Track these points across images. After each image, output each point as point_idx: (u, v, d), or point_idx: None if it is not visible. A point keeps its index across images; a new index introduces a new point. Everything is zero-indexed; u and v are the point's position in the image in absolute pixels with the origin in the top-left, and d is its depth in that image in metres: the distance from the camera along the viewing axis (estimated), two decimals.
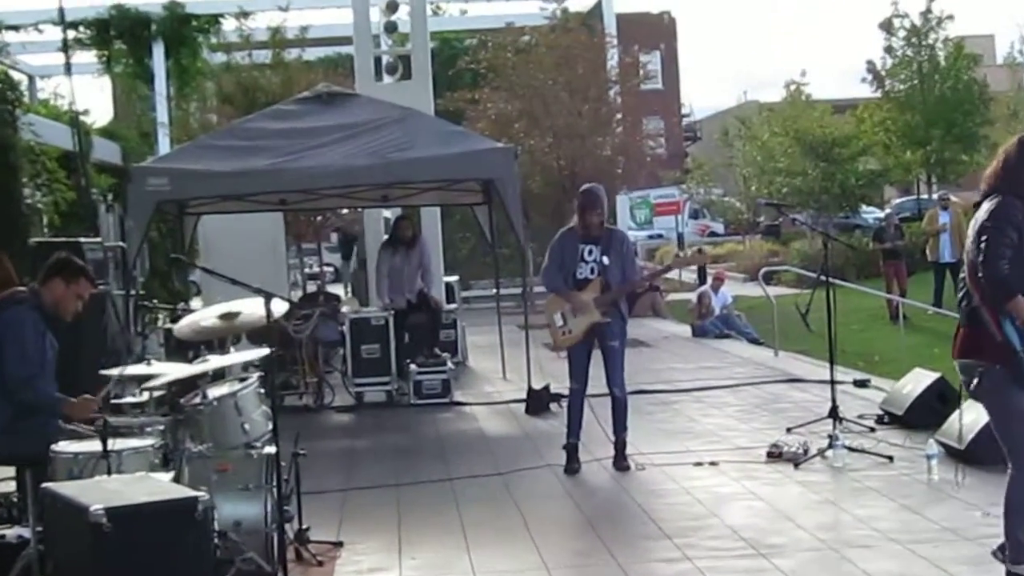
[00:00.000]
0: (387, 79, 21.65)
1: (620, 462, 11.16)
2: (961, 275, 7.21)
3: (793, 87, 48.16)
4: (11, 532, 8.38)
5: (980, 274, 6.84)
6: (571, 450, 11.28)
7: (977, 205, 7.18)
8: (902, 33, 43.88)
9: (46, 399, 8.14)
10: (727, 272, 28.25)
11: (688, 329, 23.58)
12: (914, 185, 47.46)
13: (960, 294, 7.25)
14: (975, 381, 7.05)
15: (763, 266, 27.98)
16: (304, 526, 8.68)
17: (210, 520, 5.57)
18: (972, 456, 10.43)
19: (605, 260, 11.09)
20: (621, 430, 11.25)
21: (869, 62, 44.97)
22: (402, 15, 22.17)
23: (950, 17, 43.47)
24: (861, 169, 42.70)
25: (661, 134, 48.04)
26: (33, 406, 8.22)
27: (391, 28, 22.23)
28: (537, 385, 14.73)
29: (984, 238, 6.83)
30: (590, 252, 11.12)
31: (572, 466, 11.18)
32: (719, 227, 56.45)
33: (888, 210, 38.01)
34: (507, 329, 18.31)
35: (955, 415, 11.19)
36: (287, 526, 8.11)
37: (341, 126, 15.30)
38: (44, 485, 5.77)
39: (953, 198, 28.07)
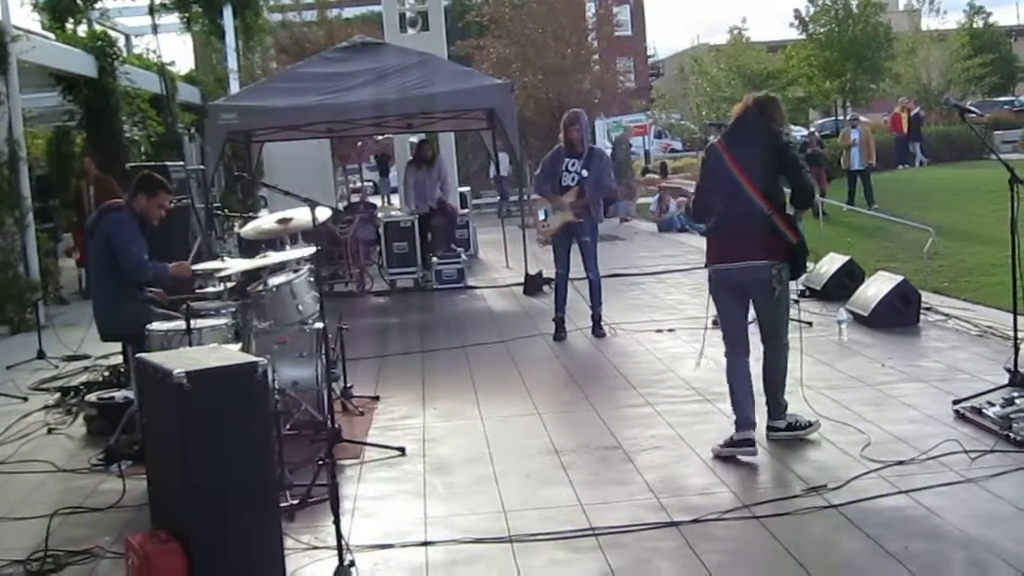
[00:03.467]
0: (410, 31, 21.54)
1: (597, 331, 11.20)
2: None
3: (736, 31, 47.87)
4: (119, 394, 8.48)
5: (796, 187, 6.86)
6: (558, 322, 11.31)
7: (738, 131, 7.05)
8: None
9: (157, 272, 8.16)
10: (683, 180, 27.96)
11: (654, 226, 23.52)
12: (832, 108, 47.09)
13: (729, 211, 6.93)
14: (774, 277, 6.76)
15: None
16: (348, 384, 8.75)
17: (269, 380, 5.57)
18: (873, 321, 10.49)
19: (584, 172, 11.01)
20: (596, 305, 11.27)
21: (796, 10, 44.83)
22: None
23: None
24: (790, 96, 42.48)
25: (630, 71, 47.63)
26: (149, 282, 8.27)
27: None
28: (532, 271, 14.75)
29: (790, 158, 6.87)
30: (572, 164, 11.04)
31: (559, 335, 11.22)
32: (678, 145, 56.00)
33: (812, 129, 37.82)
34: (509, 229, 18.32)
35: (861, 288, 11.25)
36: (334, 385, 8.16)
37: (373, 69, 15.22)
38: (138, 355, 5.77)
39: (862, 118, 27.92)
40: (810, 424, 7.09)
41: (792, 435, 7.03)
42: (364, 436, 7.72)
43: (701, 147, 49.46)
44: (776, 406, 7.12)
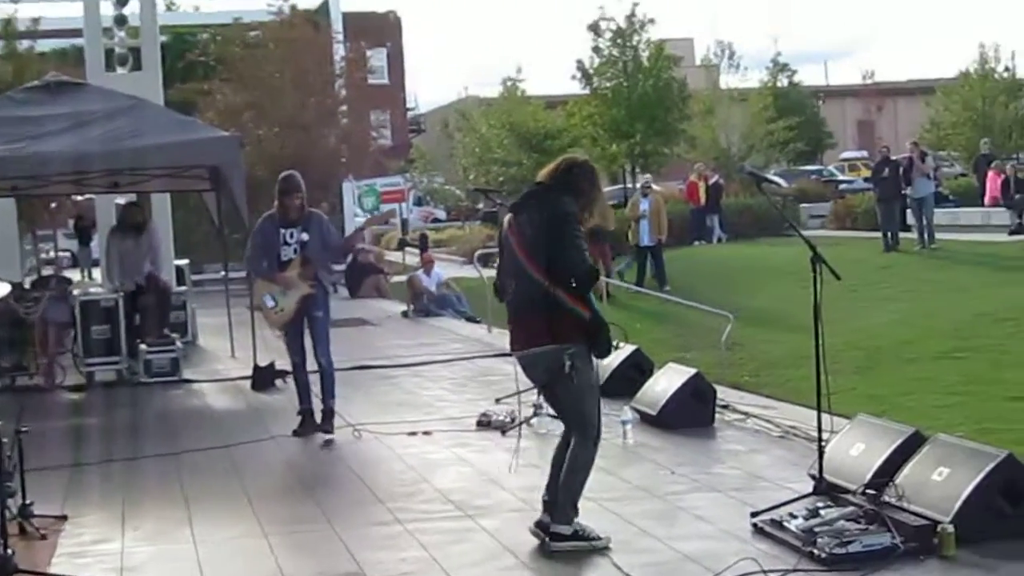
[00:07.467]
0: (118, 70, 21.22)
1: (325, 425, 11.15)
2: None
3: (509, 83, 48.81)
4: None
5: (563, 265, 6.99)
6: (306, 414, 11.30)
7: (527, 198, 7.40)
8: (608, 35, 44.66)
9: None
10: (435, 256, 28.07)
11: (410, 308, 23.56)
12: (620, 175, 48.25)
13: (515, 290, 7.38)
14: (568, 363, 7.06)
15: (480, 249, 28.21)
16: (27, 501, 8.42)
17: None
18: (663, 421, 10.72)
19: (304, 236, 11.13)
20: (329, 398, 11.29)
21: (579, 61, 45.63)
22: (133, 9, 21.66)
23: (652, 21, 44.38)
24: None
25: (386, 126, 48.14)
26: None
27: (121, 21, 21.74)
28: (263, 362, 14.61)
29: (564, 231, 7.02)
30: (291, 235, 11.16)
31: (306, 429, 11.18)
32: (441, 213, 56.82)
33: None
34: (235, 310, 18.10)
35: (649, 383, 11.50)
36: (9, 501, 7.85)
37: (71, 114, 14.95)
38: None
39: (654, 186, 28.74)
40: (599, 538, 7.25)
41: (576, 545, 7.20)
42: (46, 566, 7.45)
43: (468, 216, 50.13)
44: (563, 509, 7.30)
